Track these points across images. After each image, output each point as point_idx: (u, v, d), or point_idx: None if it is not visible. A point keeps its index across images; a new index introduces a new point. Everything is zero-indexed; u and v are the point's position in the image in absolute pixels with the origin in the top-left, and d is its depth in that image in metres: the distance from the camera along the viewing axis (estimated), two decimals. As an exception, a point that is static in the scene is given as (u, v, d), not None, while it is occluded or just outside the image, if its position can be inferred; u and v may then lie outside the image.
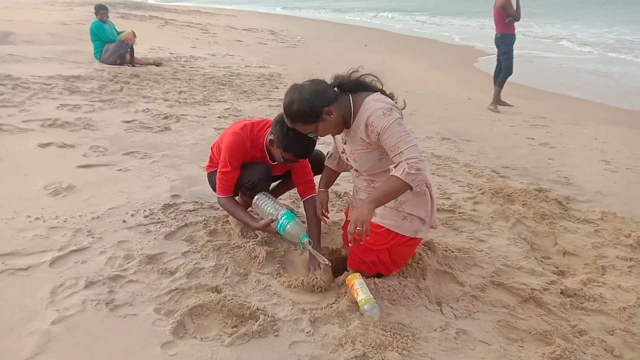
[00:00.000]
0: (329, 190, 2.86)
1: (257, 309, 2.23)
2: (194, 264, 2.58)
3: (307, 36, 16.82)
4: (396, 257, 2.53)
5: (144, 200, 3.27)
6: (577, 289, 2.70)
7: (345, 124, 2.36)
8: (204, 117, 5.69)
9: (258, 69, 9.57)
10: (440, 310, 2.44)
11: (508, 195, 4.01)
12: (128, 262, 2.55)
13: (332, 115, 2.27)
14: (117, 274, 2.42)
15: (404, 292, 2.50)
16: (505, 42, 7.40)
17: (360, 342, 2.10)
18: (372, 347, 2.08)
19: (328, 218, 2.87)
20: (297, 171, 2.92)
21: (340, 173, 2.82)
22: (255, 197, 2.78)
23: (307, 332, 2.16)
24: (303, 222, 2.84)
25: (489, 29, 19.69)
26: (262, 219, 2.74)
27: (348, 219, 2.74)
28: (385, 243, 2.46)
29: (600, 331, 2.39)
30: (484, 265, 2.88)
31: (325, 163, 2.79)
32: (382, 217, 2.44)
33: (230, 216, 3.02)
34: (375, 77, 2.37)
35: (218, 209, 3.23)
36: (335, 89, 2.34)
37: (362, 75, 2.35)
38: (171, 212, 3.15)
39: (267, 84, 8.07)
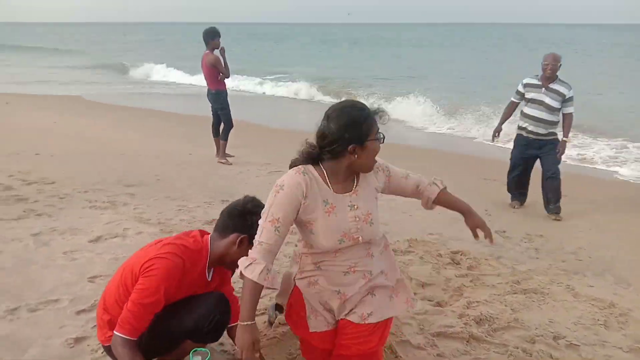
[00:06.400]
0: None
1: None
2: None
3: None
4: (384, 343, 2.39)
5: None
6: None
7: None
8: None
9: None
10: None
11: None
12: None
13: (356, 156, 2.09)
14: None
15: None
16: (220, 97, 7.64)
17: None
18: None
19: None
20: (226, 279, 2.39)
21: None
22: None
23: None
24: None
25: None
26: None
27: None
28: (386, 335, 2.29)
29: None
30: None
31: (259, 282, 1.97)
32: (385, 309, 2.25)
33: None
34: None
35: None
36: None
37: None
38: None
39: None
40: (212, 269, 2.23)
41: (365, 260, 2.21)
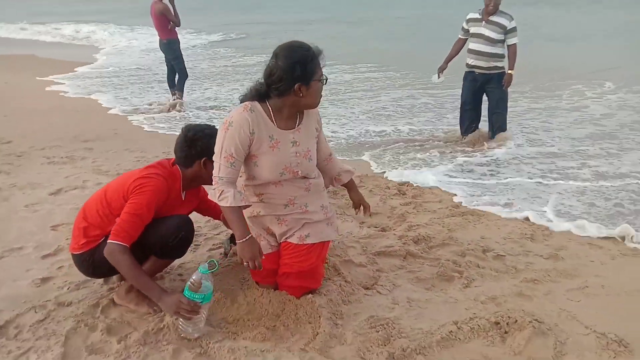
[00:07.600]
0: None
1: None
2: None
3: None
4: (323, 262, 2.68)
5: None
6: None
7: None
8: None
9: None
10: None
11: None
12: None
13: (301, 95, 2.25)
14: None
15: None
16: (173, 47, 7.57)
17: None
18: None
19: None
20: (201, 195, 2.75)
21: None
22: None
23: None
24: None
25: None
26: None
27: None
28: (323, 256, 2.57)
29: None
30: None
31: (237, 205, 2.24)
32: (321, 233, 2.52)
33: (120, 294, 2.46)
34: None
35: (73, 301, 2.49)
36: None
37: None
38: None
39: None
40: (184, 191, 2.53)
41: (303, 194, 2.46)
